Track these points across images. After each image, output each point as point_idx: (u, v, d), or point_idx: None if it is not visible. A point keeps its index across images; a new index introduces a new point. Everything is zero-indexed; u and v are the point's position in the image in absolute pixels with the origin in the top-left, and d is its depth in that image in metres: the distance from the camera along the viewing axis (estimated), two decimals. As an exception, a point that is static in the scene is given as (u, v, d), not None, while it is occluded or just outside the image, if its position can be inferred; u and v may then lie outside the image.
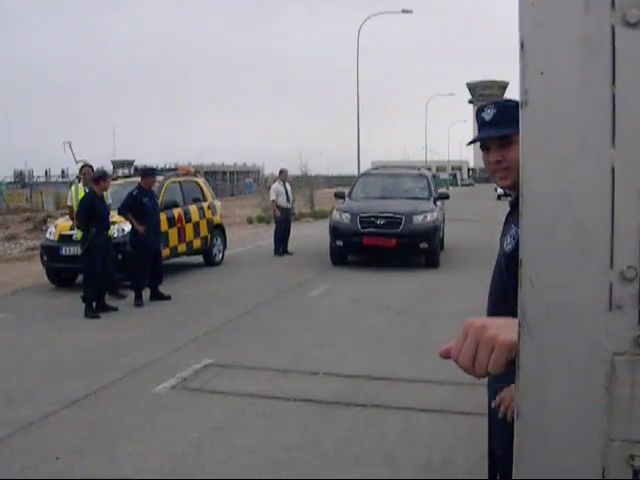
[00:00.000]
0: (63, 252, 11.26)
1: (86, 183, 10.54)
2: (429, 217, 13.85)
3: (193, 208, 13.99)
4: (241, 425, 5.26)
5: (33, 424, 5.27)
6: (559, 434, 0.93)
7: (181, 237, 13.33)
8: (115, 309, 9.79)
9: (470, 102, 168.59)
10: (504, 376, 1.11)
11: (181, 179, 14.38)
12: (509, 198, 2.41)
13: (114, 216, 10.58)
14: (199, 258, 14.52)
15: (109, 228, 10.14)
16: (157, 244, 10.80)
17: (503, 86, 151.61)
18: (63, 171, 51.03)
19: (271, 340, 7.92)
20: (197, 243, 13.96)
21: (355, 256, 14.78)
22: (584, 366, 0.90)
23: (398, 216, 13.60)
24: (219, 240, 14.92)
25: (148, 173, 10.94)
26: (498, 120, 2.18)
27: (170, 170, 16.51)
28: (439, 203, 15.12)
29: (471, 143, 2.59)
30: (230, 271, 13.88)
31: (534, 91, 0.91)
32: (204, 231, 14.18)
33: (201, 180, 15.49)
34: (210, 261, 14.53)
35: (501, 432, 1.40)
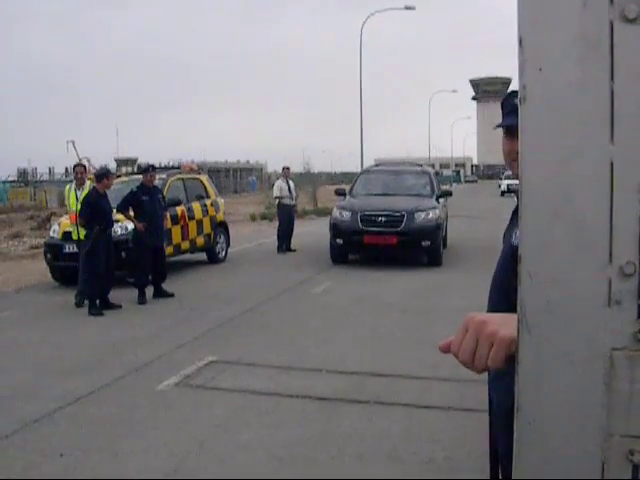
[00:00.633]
0: (66, 250, 11.27)
1: (79, 182, 10.49)
2: (431, 215, 13.59)
3: (196, 206, 14.00)
4: (244, 422, 5.27)
5: (37, 421, 5.29)
6: (558, 429, 0.94)
7: (184, 235, 13.34)
8: (119, 307, 9.80)
9: (473, 99, 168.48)
10: (504, 372, 1.11)
11: (184, 177, 14.40)
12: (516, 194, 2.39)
13: (117, 214, 10.59)
14: (202, 255, 14.53)
15: (112, 226, 10.16)
16: (159, 242, 10.81)
17: (506, 82, 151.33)
18: (67, 169, 51.11)
19: (274, 337, 7.94)
20: (200, 241, 13.97)
21: (356, 255, 14.56)
22: (583, 361, 0.91)
23: (399, 214, 13.38)
24: (222, 237, 14.93)
25: (147, 170, 10.93)
26: None
27: (173, 168, 16.51)
28: (442, 200, 14.89)
29: (499, 127, 2.59)
30: (233, 268, 13.89)
31: (532, 87, 0.91)
32: (207, 229, 14.19)
33: (204, 177, 15.51)
34: (213, 258, 14.55)
35: (502, 429, 1.40)
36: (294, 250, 16.24)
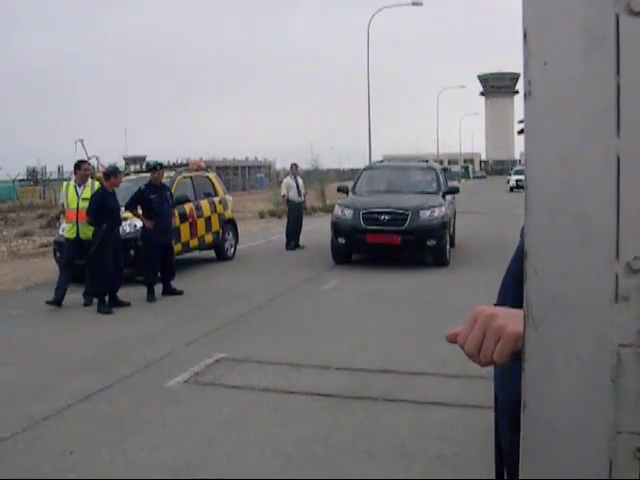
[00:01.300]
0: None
1: (81, 179, 10.24)
2: (437, 212, 13.06)
3: (205, 203, 14.02)
4: (253, 419, 5.28)
5: (46, 419, 5.30)
6: (565, 427, 0.93)
7: (193, 232, 13.35)
8: (128, 304, 9.83)
9: (482, 94, 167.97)
10: (509, 369, 1.10)
11: (192, 174, 14.42)
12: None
13: (125, 212, 10.61)
14: (211, 253, 14.55)
15: (120, 224, 10.19)
16: (168, 239, 10.83)
17: (514, 78, 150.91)
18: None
19: (283, 334, 7.94)
20: (209, 238, 13.99)
21: (359, 254, 14.12)
22: (590, 358, 0.90)
23: (403, 212, 12.84)
24: (231, 235, 14.94)
25: (155, 168, 10.95)
26: None
27: (181, 165, 16.52)
28: (449, 197, 14.49)
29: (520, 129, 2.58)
30: (242, 266, 13.90)
31: (537, 81, 0.90)
32: (216, 226, 14.20)
33: (212, 175, 15.54)
34: (222, 256, 14.56)
35: (506, 427, 1.39)
36: (302, 247, 16.24)
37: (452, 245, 14.70)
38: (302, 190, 17.19)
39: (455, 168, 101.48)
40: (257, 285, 11.41)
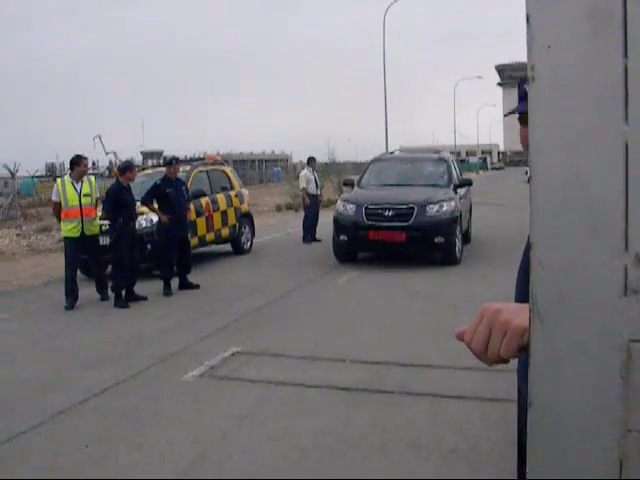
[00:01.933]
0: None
1: (79, 175, 9.82)
2: (446, 207, 12.15)
3: (221, 197, 14.03)
4: (268, 413, 5.27)
5: (62, 413, 5.33)
6: (573, 425, 0.90)
7: (209, 226, 13.37)
8: (144, 299, 9.86)
9: (499, 85, 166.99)
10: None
11: (208, 168, 14.44)
12: None
13: (141, 206, 10.64)
14: (227, 247, 14.57)
15: (136, 218, 10.21)
16: (184, 233, 10.84)
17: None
18: (94, 163, 51.40)
19: (299, 327, 7.93)
20: (225, 232, 14.00)
21: (365, 252, 13.32)
22: (598, 353, 0.87)
23: (409, 206, 11.97)
24: (247, 228, 14.95)
25: (170, 163, 10.97)
26: None
27: (197, 159, 16.54)
28: (462, 190, 13.65)
29: (509, 114, 2.54)
30: (258, 259, 13.91)
31: (541, 66, 0.87)
32: (232, 220, 14.21)
33: (228, 169, 15.55)
34: (238, 249, 14.57)
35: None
36: (319, 240, 16.20)
37: (467, 241, 14.24)
38: (319, 183, 17.17)
39: (473, 160, 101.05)
40: (273, 278, 11.41)
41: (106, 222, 10.16)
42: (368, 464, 4.28)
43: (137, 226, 10.53)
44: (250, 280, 11.35)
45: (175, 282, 10.55)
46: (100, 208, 10.07)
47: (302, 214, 17.22)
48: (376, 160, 15.12)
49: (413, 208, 11.94)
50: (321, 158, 31.88)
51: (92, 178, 10.19)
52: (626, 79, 0.82)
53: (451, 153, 18.39)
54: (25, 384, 6.13)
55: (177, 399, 5.63)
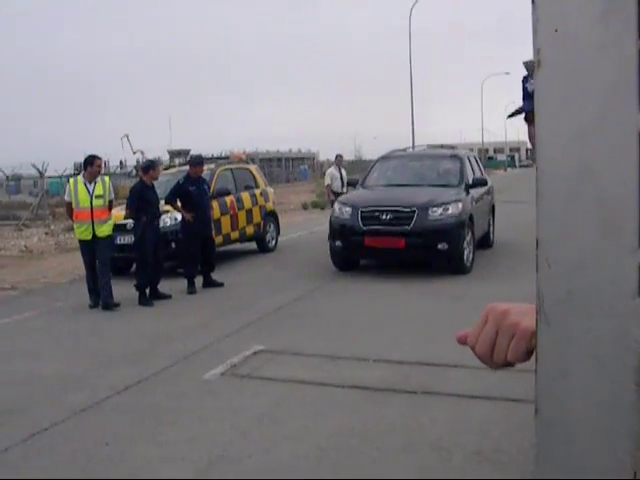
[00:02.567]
0: (118, 241, 11.37)
1: (92, 176, 9.54)
2: (451, 209, 10.89)
3: (245, 195, 14.04)
4: (289, 412, 5.24)
5: (84, 410, 5.35)
6: (583, 434, 0.84)
7: (234, 224, 13.38)
8: (168, 297, 9.89)
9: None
10: None
11: (233, 166, 14.47)
12: None
13: (165, 205, 10.67)
14: (252, 245, 14.57)
15: (159, 217, 10.23)
16: (208, 232, 10.85)
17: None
18: (121, 162, 51.89)
19: (322, 326, 7.88)
20: (250, 230, 14.01)
21: (361, 259, 12.22)
22: (610, 358, 0.81)
23: (409, 209, 10.80)
24: (272, 227, 14.94)
25: (194, 162, 11.01)
26: None
27: (222, 158, 16.56)
28: (478, 190, 12.38)
29: (512, 115, 2.48)
30: (283, 257, 13.89)
31: (548, 50, 0.81)
32: (257, 218, 14.22)
33: (253, 167, 15.56)
34: (263, 248, 14.57)
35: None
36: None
37: (488, 245, 13.51)
38: (345, 181, 17.14)
39: (501, 157, 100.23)
40: (297, 276, 11.38)
41: (129, 221, 10.19)
42: (389, 465, 4.22)
43: (161, 224, 10.57)
44: (274, 278, 11.34)
45: (199, 280, 10.57)
46: (117, 209, 9.96)
47: (328, 212, 17.18)
48: (383, 158, 13.79)
49: (413, 211, 10.78)
50: (348, 156, 31.87)
51: (106, 179, 9.92)
52: (639, 64, 0.76)
53: (472, 150, 17.51)
54: (49, 381, 6.18)
55: (198, 397, 5.62)
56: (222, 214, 12.91)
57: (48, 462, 4.45)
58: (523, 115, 2.19)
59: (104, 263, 9.64)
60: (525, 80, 2.24)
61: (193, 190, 10.51)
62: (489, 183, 13.55)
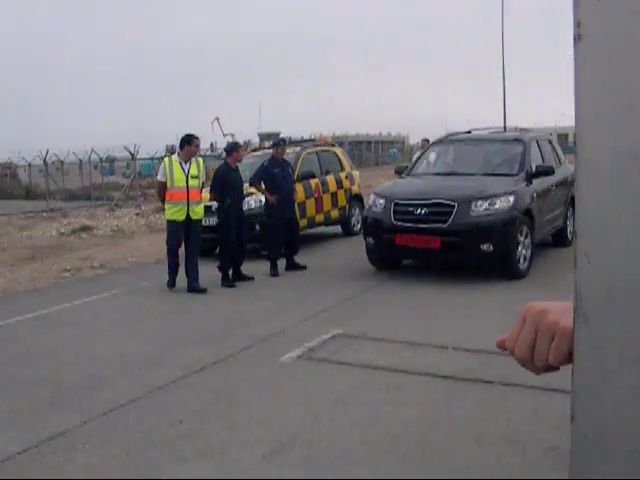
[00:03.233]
0: (203, 223, 11.54)
1: (189, 155, 9.39)
2: (500, 203, 9.31)
3: (330, 178, 14.02)
4: (363, 398, 5.20)
5: (162, 388, 5.47)
6: (621, 445, 0.77)
7: (318, 207, 13.39)
8: (251, 279, 9.98)
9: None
10: None
11: (318, 149, 14.45)
12: None
13: (250, 187, 10.77)
14: (337, 228, 14.55)
15: (244, 199, 10.33)
16: (292, 214, 10.89)
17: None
18: (212, 144, 52.77)
19: (401, 312, 7.80)
20: (335, 213, 13.99)
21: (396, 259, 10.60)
22: (655, 363, 0.74)
23: (448, 203, 9.31)
24: (357, 210, 14.86)
25: (278, 144, 11.05)
26: None
27: (308, 141, 16.59)
28: (546, 180, 10.52)
29: None
30: (367, 241, 13.79)
31: (589, 22, 0.74)
32: (342, 201, 14.18)
33: (339, 150, 15.51)
34: (348, 231, 14.53)
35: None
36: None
37: (564, 244, 11.55)
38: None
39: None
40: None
41: (214, 203, 10.30)
42: (460, 457, 4.13)
43: (246, 207, 10.67)
44: (357, 262, 11.26)
45: (282, 263, 10.63)
46: (203, 191, 9.89)
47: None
48: (438, 142, 12.33)
49: (453, 205, 9.28)
50: (436, 140, 31.37)
51: (200, 160, 9.70)
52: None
53: (551, 135, 15.74)
54: (129, 358, 6.35)
55: (273, 380, 5.65)
56: (307, 197, 12.94)
57: (123, 437, 4.56)
58: None
59: (196, 246, 9.60)
60: None
61: (277, 172, 10.55)
62: (567, 171, 11.69)
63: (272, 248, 10.59)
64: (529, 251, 9.70)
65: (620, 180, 0.73)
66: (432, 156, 11.62)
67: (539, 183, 10.31)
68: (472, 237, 9.11)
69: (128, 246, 14.51)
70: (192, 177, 9.34)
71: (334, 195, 13.94)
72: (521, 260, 9.50)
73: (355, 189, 14.89)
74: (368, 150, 70.66)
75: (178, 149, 9.69)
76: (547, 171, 10.51)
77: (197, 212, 9.46)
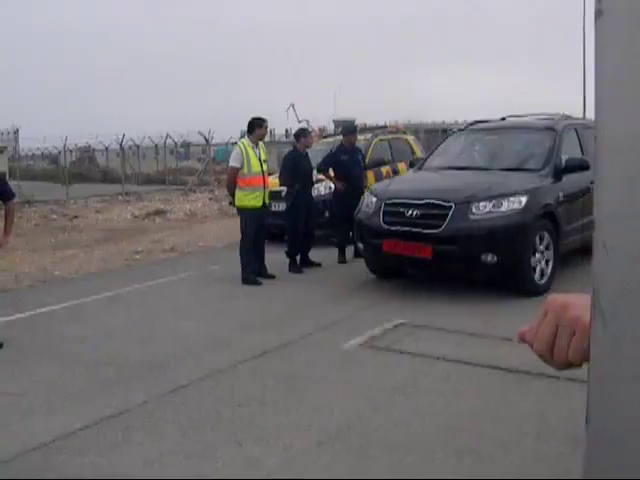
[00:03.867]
0: (273, 208, 11.60)
1: (259, 138, 9.18)
2: (506, 205, 7.76)
3: (402, 166, 13.90)
4: (422, 388, 5.15)
5: (222, 371, 5.54)
6: (638, 445, 0.72)
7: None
8: (318, 265, 10.01)
9: None
10: None
11: (390, 137, 14.38)
12: None
13: (318, 174, 10.77)
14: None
15: (312, 185, 10.34)
16: (359, 201, 10.82)
17: None
18: (287, 130, 52.99)
19: (466, 303, 7.67)
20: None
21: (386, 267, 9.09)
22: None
23: (442, 204, 7.84)
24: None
25: (348, 131, 11.00)
26: None
27: (379, 128, 16.49)
28: (581, 177, 8.45)
29: None
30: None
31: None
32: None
33: (411, 137, 15.41)
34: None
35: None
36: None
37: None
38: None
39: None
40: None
41: (283, 188, 10.33)
42: (518, 452, 4.04)
43: (315, 193, 10.68)
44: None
45: (350, 250, 10.60)
46: (271, 177, 9.76)
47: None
48: (458, 132, 10.97)
49: (449, 207, 7.79)
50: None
51: (261, 144, 9.35)
52: None
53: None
54: (192, 340, 6.47)
55: (333, 367, 5.65)
56: (378, 183, 12.89)
57: (181, 418, 4.64)
58: None
59: (265, 231, 9.60)
60: None
61: (345, 159, 10.50)
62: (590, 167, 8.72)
63: (340, 235, 10.58)
64: (550, 263, 8.15)
65: (642, 166, 0.68)
66: (449, 147, 10.30)
67: (571, 180, 8.59)
68: (470, 245, 7.67)
69: (200, 230, 14.76)
70: (264, 162, 9.23)
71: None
72: (537, 273, 7.99)
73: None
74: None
75: (247, 133, 9.42)
76: (581, 165, 8.51)
77: (268, 197, 9.40)
